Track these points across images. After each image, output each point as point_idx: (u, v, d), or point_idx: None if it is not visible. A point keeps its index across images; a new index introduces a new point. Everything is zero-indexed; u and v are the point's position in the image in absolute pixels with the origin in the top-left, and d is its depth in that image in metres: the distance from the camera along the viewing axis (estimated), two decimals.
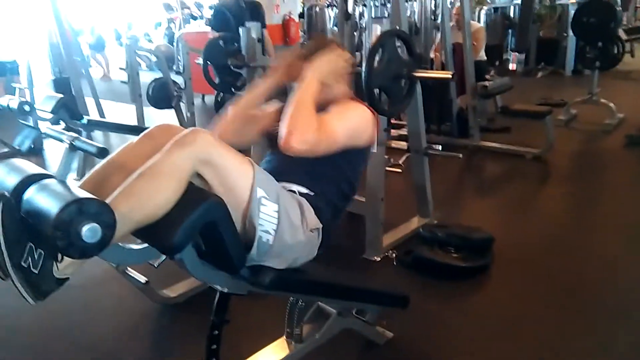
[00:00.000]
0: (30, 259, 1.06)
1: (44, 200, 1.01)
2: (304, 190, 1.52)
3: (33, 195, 1.05)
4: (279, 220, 1.34)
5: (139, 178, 1.19)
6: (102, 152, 1.12)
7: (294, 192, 1.50)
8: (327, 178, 1.58)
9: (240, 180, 1.30)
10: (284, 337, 1.81)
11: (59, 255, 1.10)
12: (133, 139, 1.49)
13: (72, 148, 1.16)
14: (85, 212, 0.99)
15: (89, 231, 0.99)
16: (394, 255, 2.67)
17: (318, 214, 1.50)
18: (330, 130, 1.49)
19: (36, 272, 1.06)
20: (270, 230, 1.34)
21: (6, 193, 1.07)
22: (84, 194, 1.03)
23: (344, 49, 1.71)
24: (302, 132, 1.40)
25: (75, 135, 1.16)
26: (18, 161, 1.22)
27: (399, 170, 3.94)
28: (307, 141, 1.40)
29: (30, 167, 1.16)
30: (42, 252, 1.07)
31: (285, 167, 1.57)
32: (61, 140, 1.19)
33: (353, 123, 1.61)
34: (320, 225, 1.50)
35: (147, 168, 1.21)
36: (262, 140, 1.82)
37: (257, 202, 1.31)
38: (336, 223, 1.63)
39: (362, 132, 1.63)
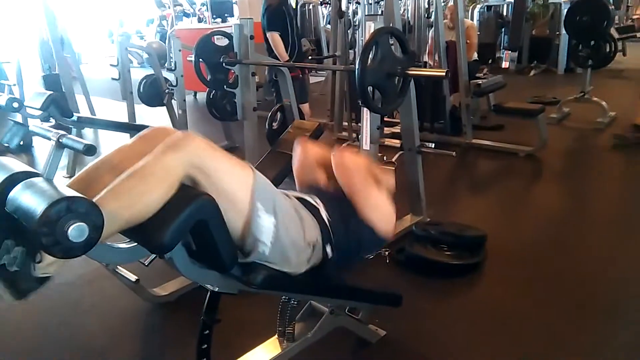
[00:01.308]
0: (6, 257, 1.03)
1: (30, 199, 0.99)
2: (324, 214, 1.54)
3: (19, 193, 1.03)
4: (275, 233, 1.33)
5: (129, 178, 1.17)
6: (90, 150, 1.09)
7: (312, 204, 1.55)
8: (344, 226, 1.59)
9: (237, 188, 1.29)
10: (276, 335, 1.80)
11: (39, 254, 1.07)
12: (124, 136, 1.48)
13: (59, 145, 1.13)
14: (73, 210, 0.97)
15: (76, 230, 0.97)
16: (386, 253, 2.66)
17: (323, 237, 1.51)
18: (370, 182, 1.65)
19: (14, 269, 1.04)
20: (266, 241, 1.33)
21: None
22: (71, 192, 1.01)
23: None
24: (349, 158, 1.66)
25: (63, 132, 1.14)
26: (4, 159, 1.20)
27: (392, 168, 3.93)
28: (351, 159, 1.66)
29: (16, 165, 1.14)
30: (22, 250, 1.05)
31: (318, 194, 1.66)
32: (48, 138, 1.17)
33: (385, 201, 1.68)
34: (319, 242, 1.49)
35: (137, 168, 1.18)
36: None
37: (256, 215, 1.30)
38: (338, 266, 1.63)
39: (386, 216, 1.67)
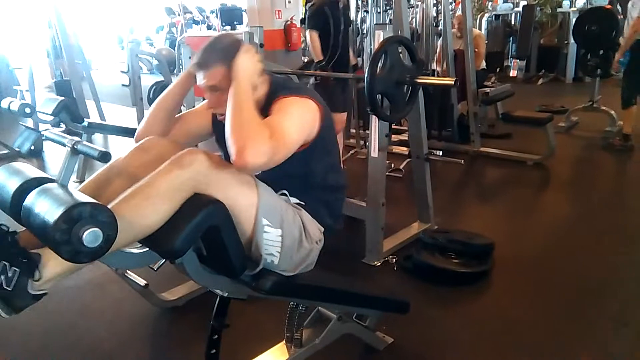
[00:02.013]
0: (2, 277, 1.05)
1: (46, 204, 1.01)
2: (295, 200, 1.50)
3: (35, 199, 1.05)
4: (282, 243, 1.36)
5: (133, 195, 1.18)
6: (104, 156, 1.11)
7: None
8: (307, 178, 1.53)
9: (242, 206, 1.30)
10: (284, 341, 1.81)
11: (36, 273, 1.09)
12: (133, 142, 1.50)
13: (74, 152, 1.16)
14: (92, 216, 0.99)
15: (90, 235, 0.99)
16: (394, 260, 2.67)
17: (318, 220, 1.51)
18: (283, 133, 1.31)
19: (9, 289, 1.06)
20: (274, 252, 1.35)
21: None
22: (90, 199, 1.03)
23: (248, 45, 1.49)
24: (255, 146, 1.21)
25: (77, 139, 1.16)
26: (19, 165, 1.22)
27: (400, 175, 3.95)
28: (263, 153, 1.22)
29: (32, 171, 1.16)
30: (17, 270, 1.07)
31: (265, 177, 1.46)
32: (63, 144, 1.19)
33: (301, 117, 1.43)
34: (322, 236, 1.51)
35: (142, 185, 1.20)
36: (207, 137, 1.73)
37: (261, 229, 1.31)
38: (338, 221, 1.62)
39: (312, 122, 1.46)
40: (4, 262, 1.05)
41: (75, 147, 1.15)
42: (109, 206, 1.14)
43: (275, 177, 1.44)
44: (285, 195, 1.48)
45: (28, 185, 1.11)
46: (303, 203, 1.50)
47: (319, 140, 1.49)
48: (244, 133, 1.23)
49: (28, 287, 1.09)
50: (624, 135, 4.60)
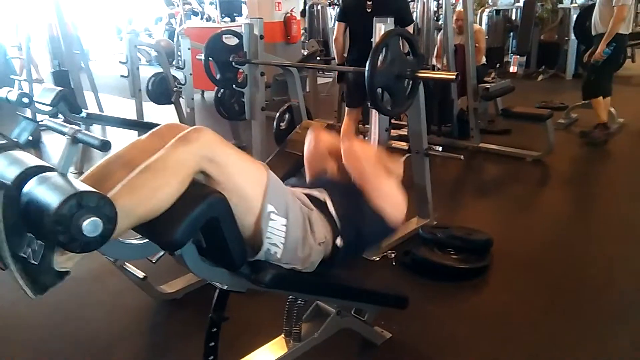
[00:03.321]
0: (30, 249, 1.04)
1: (45, 193, 0.99)
2: (332, 209, 1.54)
3: (34, 188, 1.03)
4: (286, 234, 1.34)
5: (142, 173, 1.18)
6: (105, 145, 1.10)
7: (319, 199, 1.56)
8: (354, 217, 1.59)
9: (250, 185, 1.29)
10: (283, 335, 1.81)
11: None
12: (132, 133, 1.49)
13: (74, 141, 1.14)
14: (87, 205, 0.97)
15: (90, 225, 0.97)
16: (393, 255, 2.67)
17: (330, 225, 1.52)
18: (379, 171, 1.66)
19: (36, 263, 1.05)
20: (278, 243, 1.34)
21: (8, 182, 1.06)
22: (83, 186, 1.01)
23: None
24: (359, 147, 1.70)
25: (78, 127, 1.14)
26: (19, 153, 1.21)
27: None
28: (360, 148, 1.70)
29: (31, 160, 1.15)
30: (43, 244, 1.05)
31: (327, 184, 1.69)
32: (63, 133, 1.17)
33: (395, 189, 1.68)
34: (329, 239, 1.50)
35: (149, 163, 1.19)
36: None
37: (267, 216, 1.30)
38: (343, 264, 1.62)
39: (396, 204, 1.66)
40: (30, 234, 1.05)
41: (75, 136, 1.13)
42: (117, 187, 1.14)
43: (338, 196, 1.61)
44: (323, 198, 1.57)
45: (28, 174, 1.09)
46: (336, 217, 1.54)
47: (386, 228, 1.66)
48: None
49: (53, 262, 1.08)
50: (602, 125, 4.62)
